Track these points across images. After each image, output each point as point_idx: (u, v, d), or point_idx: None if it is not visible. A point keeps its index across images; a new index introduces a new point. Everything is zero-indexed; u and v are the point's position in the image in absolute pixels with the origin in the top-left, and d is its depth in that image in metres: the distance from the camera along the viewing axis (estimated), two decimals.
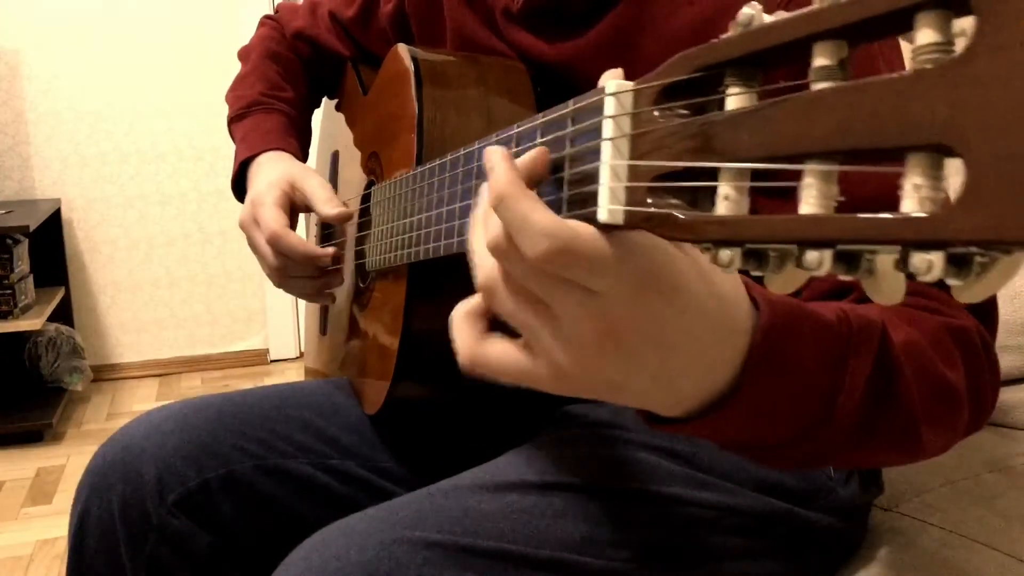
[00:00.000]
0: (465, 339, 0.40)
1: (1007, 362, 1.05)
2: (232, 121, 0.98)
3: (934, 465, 0.89)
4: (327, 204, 0.82)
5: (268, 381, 2.71)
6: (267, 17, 1.08)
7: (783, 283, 0.27)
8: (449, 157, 0.54)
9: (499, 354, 0.40)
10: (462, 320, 0.41)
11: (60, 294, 2.52)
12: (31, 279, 2.39)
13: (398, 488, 0.77)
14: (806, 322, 0.42)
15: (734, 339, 0.39)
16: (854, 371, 0.43)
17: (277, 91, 0.98)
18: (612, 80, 0.32)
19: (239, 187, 0.93)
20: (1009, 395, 1.05)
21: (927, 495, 0.83)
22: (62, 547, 1.77)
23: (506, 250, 0.35)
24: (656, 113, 0.29)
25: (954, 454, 0.94)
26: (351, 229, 0.89)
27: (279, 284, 0.87)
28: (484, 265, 0.38)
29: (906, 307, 0.50)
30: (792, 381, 0.41)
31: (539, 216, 0.33)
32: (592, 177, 0.33)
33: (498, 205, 0.35)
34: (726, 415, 0.40)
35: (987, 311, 0.54)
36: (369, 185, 0.84)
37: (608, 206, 0.32)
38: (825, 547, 0.68)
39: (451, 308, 0.41)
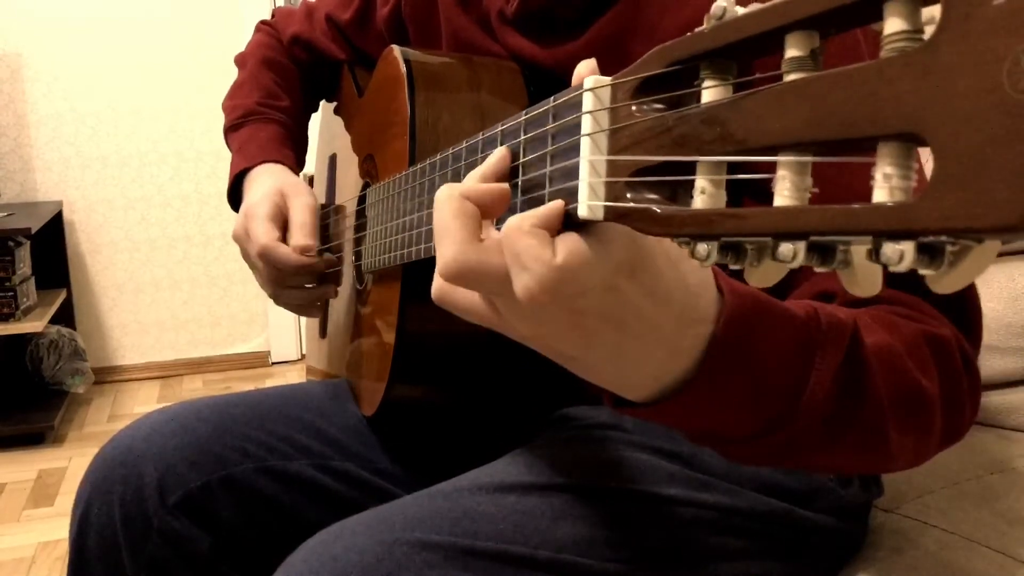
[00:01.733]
0: (439, 275, 0.41)
1: (1008, 364, 1.04)
2: (228, 130, 0.98)
3: (935, 467, 0.88)
4: (298, 231, 0.82)
5: (269, 383, 2.71)
6: (263, 23, 1.08)
7: (762, 276, 0.27)
8: (439, 156, 0.54)
9: (466, 299, 0.40)
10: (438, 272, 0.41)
11: (62, 296, 2.52)
12: (33, 281, 2.40)
13: (398, 490, 0.77)
14: (772, 315, 0.42)
15: (695, 328, 0.39)
16: (820, 366, 0.43)
17: (273, 100, 0.98)
18: (590, 76, 0.32)
19: (235, 198, 0.93)
20: (1010, 397, 1.05)
21: (928, 497, 0.82)
22: (63, 549, 1.77)
23: (496, 280, 0.36)
24: (634, 108, 0.29)
25: (955, 456, 0.94)
26: (349, 232, 0.89)
27: (274, 295, 0.87)
28: (446, 253, 0.37)
29: (886, 314, 0.50)
30: (755, 372, 0.41)
31: (534, 256, 0.33)
32: (572, 173, 0.33)
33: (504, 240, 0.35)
34: (685, 401, 0.40)
35: (971, 324, 0.54)
36: (365, 187, 0.84)
37: (588, 202, 0.32)
38: (825, 548, 0.68)
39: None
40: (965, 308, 0.54)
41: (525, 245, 0.34)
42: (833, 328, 0.44)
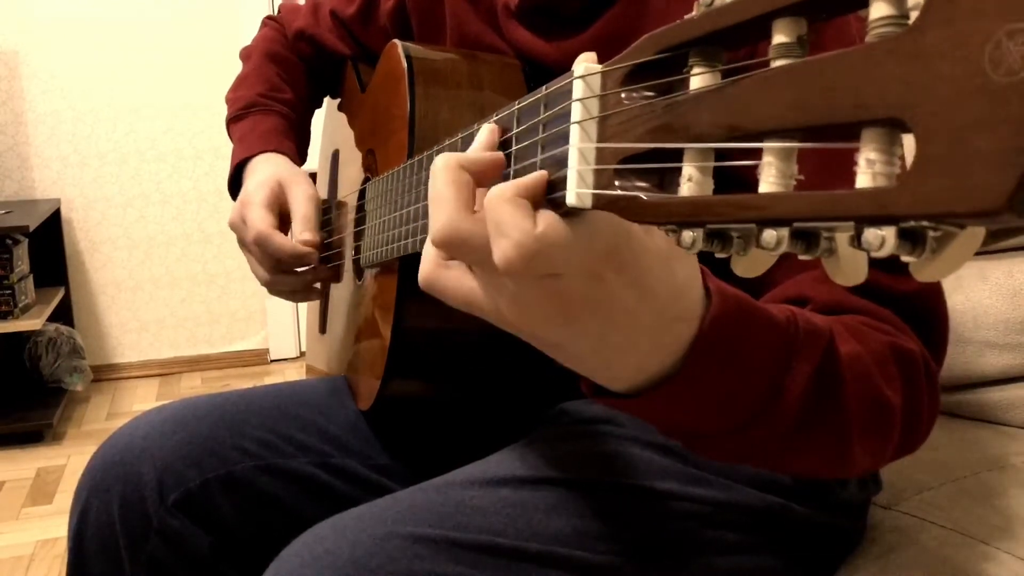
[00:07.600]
0: (427, 259, 0.41)
1: (1006, 360, 1.04)
2: (230, 122, 0.98)
3: (934, 464, 0.89)
4: (301, 223, 0.82)
5: (268, 381, 2.71)
6: (269, 18, 1.08)
7: (749, 265, 0.27)
8: (435, 148, 0.54)
9: (452, 282, 0.40)
10: (429, 241, 0.41)
11: (60, 294, 2.52)
12: (31, 279, 2.39)
13: (398, 486, 0.77)
14: (755, 318, 0.42)
15: (678, 325, 0.39)
16: (797, 372, 0.43)
17: (276, 92, 0.98)
18: (581, 63, 0.32)
19: (235, 188, 0.93)
20: (1009, 393, 1.04)
21: (927, 493, 0.82)
22: (62, 547, 1.77)
23: (475, 247, 0.36)
24: (623, 95, 0.29)
25: (954, 452, 0.94)
26: (349, 226, 0.89)
27: (267, 283, 0.87)
28: (438, 220, 0.37)
29: (857, 324, 0.51)
30: (734, 374, 0.42)
31: (514, 224, 0.34)
32: (562, 161, 0.33)
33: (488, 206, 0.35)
34: (663, 395, 0.41)
35: (937, 342, 0.54)
36: (366, 182, 0.84)
37: (576, 189, 0.32)
38: (822, 544, 0.68)
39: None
40: (934, 325, 0.54)
41: (507, 213, 0.34)
42: (811, 335, 0.44)
